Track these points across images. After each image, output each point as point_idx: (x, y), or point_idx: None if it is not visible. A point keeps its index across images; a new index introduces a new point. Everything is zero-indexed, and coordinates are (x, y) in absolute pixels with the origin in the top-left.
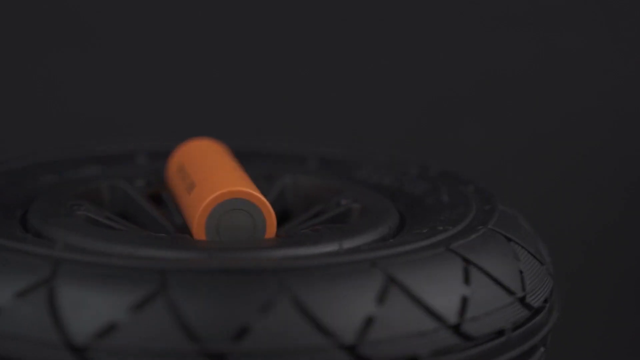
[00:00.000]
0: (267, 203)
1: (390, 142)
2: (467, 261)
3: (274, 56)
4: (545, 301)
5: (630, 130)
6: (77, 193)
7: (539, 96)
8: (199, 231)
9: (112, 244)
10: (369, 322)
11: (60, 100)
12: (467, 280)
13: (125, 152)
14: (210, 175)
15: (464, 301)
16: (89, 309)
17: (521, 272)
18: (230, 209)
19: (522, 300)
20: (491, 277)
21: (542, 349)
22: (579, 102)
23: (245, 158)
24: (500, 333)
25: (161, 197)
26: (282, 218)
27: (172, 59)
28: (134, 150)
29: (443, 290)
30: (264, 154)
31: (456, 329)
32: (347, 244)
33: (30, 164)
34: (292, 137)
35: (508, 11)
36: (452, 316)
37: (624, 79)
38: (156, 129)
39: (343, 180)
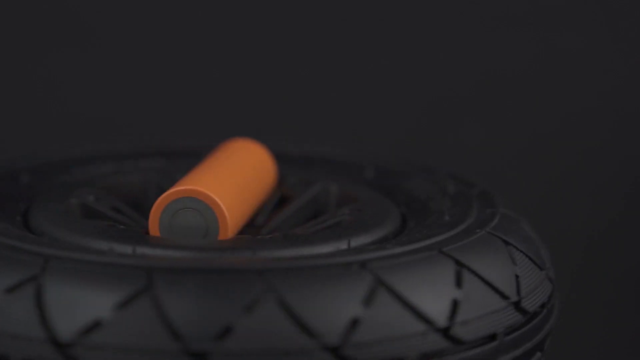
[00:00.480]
0: (221, 204)
1: (391, 142)
2: (459, 264)
3: (273, 56)
4: (542, 306)
5: (630, 130)
6: (96, 184)
7: (539, 96)
8: (153, 227)
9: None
10: (354, 323)
11: (60, 100)
12: (458, 283)
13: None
14: (187, 175)
15: (455, 304)
16: (75, 306)
17: (517, 276)
18: (182, 207)
19: (516, 304)
20: (484, 280)
21: (538, 354)
22: (578, 102)
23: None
24: (492, 337)
25: None
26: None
27: (171, 59)
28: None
29: (433, 293)
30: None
31: (445, 332)
32: (342, 245)
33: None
34: (292, 137)
35: (508, 11)
36: (441, 319)
37: (624, 79)
38: (156, 129)
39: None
